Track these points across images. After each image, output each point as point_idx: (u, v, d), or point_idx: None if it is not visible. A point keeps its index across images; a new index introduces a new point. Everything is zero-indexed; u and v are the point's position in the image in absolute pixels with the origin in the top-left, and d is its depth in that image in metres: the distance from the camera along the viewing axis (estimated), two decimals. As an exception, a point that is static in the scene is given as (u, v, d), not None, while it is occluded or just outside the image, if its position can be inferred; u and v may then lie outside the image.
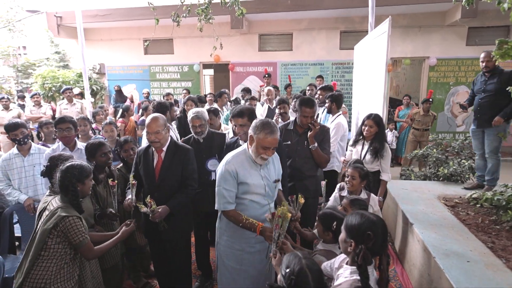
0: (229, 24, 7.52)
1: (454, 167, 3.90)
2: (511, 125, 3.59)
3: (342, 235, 1.47)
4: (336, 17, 7.82)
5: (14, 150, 2.84)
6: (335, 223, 1.85)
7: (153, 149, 2.40)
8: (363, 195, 2.53)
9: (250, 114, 2.55)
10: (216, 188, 1.99)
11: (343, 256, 1.60)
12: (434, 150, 4.26)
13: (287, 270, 1.32)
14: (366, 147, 3.04)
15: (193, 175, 2.44)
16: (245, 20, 7.69)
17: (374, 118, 2.98)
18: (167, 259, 2.55)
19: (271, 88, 5.42)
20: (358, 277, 1.33)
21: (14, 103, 7.39)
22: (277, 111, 3.76)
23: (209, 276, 2.99)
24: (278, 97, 4.68)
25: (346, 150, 3.56)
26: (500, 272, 2.09)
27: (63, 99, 6.44)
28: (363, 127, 3.03)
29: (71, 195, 1.88)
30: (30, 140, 2.91)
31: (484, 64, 3.47)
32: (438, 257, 2.26)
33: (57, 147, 2.99)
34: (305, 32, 8.12)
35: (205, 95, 6.90)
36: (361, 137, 3.12)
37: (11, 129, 2.81)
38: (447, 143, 4.59)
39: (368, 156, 2.99)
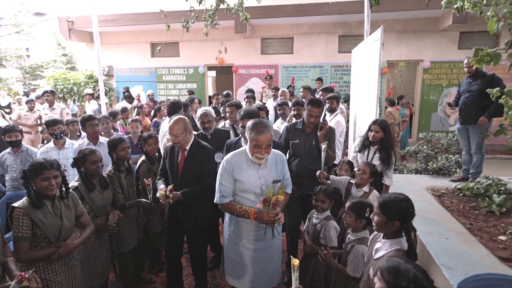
0: (233, 28, 7.88)
1: (442, 161, 4.25)
2: (493, 124, 3.96)
3: (381, 219, 1.59)
4: (334, 22, 8.19)
5: (51, 144, 3.18)
6: (368, 210, 2.06)
7: None
8: (366, 189, 2.74)
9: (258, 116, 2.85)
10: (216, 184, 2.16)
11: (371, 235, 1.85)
12: (425, 146, 4.62)
13: (401, 281, 1.20)
14: (371, 153, 2.99)
15: (210, 172, 2.56)
16: (248, 24, 8.04)
17: (380, 124, 2.90)
18: (183, 244, 2.79)
19: (286, 90, 5.83)
20: (398, 247, 1.55)
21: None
22: (291, 112, 3.80)
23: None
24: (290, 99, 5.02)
25: (343, 146, 3.90)
26: (473, 247, 2.45)
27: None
28: (369, 132, 2.97)
29: (27, 191, 1.86)
30: (65, 136, 3.26)
31: (467, 68, 3.85)
32: (421, 235, 2.61)
33: (83, 142, 3.33)
34: (305, 36, 8.49)
35: (210, 96, 7.24)
36: (368, 142, 3.04)
37: (51, 124, 3.16)
38: (437, 140, 4.96)
39: (376, 162, 2.94)
